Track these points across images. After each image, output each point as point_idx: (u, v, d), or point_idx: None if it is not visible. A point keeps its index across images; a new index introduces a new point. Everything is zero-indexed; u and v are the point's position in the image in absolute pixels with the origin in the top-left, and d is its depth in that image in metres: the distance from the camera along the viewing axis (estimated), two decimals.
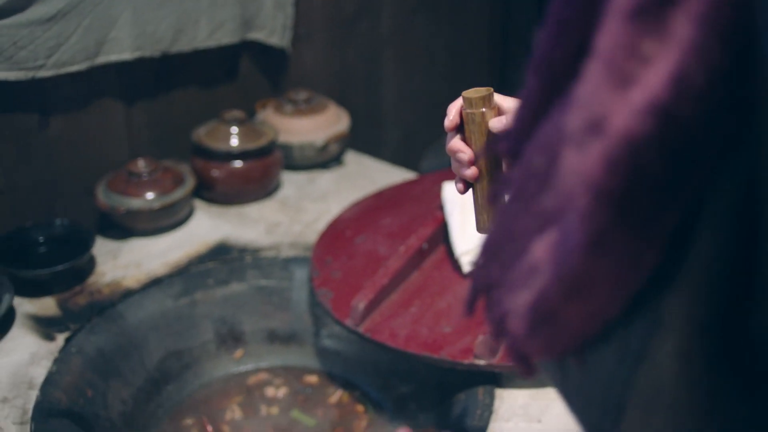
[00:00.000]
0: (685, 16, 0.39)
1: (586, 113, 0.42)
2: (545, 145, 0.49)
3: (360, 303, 1.24)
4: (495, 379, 1.19)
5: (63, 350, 1.29)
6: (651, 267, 0.45)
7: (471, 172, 0.83)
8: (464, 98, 0.82)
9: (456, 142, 0.85)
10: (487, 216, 0.86)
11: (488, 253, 0.57)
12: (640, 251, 0.44)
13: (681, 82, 0.39)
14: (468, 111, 0.82)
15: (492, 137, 0.82)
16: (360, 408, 1.42)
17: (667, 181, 0.41)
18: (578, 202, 0.43)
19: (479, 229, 0.87)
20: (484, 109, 0.81)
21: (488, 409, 1.14)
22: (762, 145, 0.40)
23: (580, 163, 0.42)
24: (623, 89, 0.40)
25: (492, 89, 0.82)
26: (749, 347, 0.43)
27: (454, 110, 0.84)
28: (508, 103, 0.83)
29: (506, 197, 0.55)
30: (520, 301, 0.51)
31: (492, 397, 1.16)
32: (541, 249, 0.49)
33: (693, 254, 0.44)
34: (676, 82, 0.39)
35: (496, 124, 0.82)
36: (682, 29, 0.39)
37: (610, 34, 0.41)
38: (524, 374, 0.56)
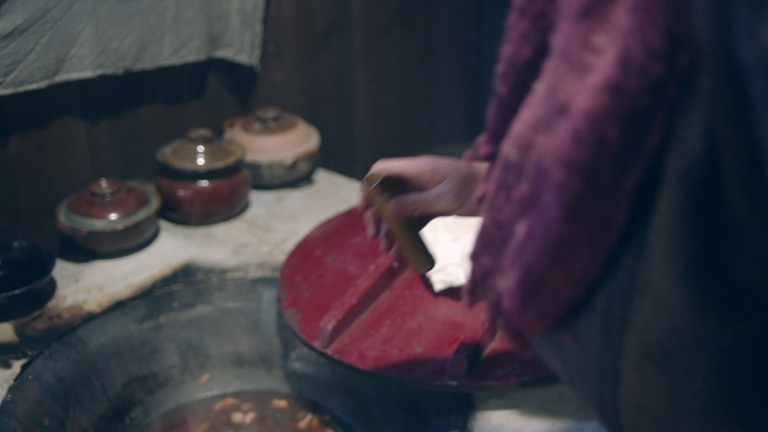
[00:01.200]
0: (622, 9, 0.46)
1: (553, 101, 0.50)
2: (518, 139, 0.56)
3: (328, 324, 1.20)
4: (468, 400, 1.15)
5: (19, 378, 1.24)
6: (619, 228, 0.51)
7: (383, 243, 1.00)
8: (366, 179, 0.94)
9: (366, 216, 1.01)
10: (419, 260, 0.97)
11: (480, 245, 0.64)
12: (609, 214, 0.51)
13: (626, 62, 0.46)
14: (369, 189, 0.95)
15: (392, 208, 0.94)
16: None
17: (624, 147, 0.48)
18: (553, 176, 0.50)
19: (418, 271, 0.99)
20: (380, 189, 0.94)
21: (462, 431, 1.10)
22: (708, 103, 0.45)
23: (552, 143, 0.50)
24: (582, 76, 0.49)
25: (384, 175, 0.94)
26: (729, 285, 0.47)
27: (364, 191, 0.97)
28: (411, 165, 0.95)
29: (490, 192, 0.62)
30: (510, 280, 0.58)
31: (466, 419, 1.12)
32: (523, 230, 0.56)
33: (658, 213, 0.49)
34: (622, 63, 0.46)
35: (391, 206, 0.94)
36: (621, 20, 0.46)
37: (565, 34, 0.50)
38: (521, 351, 0.64)
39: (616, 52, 0.46)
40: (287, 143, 1.78)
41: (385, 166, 0.95)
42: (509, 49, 0.61)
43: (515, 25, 0.60)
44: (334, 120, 2.13)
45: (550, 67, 0.52)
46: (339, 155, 2.14)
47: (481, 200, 0.66)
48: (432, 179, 0.94)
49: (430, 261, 0.97)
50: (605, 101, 0.47)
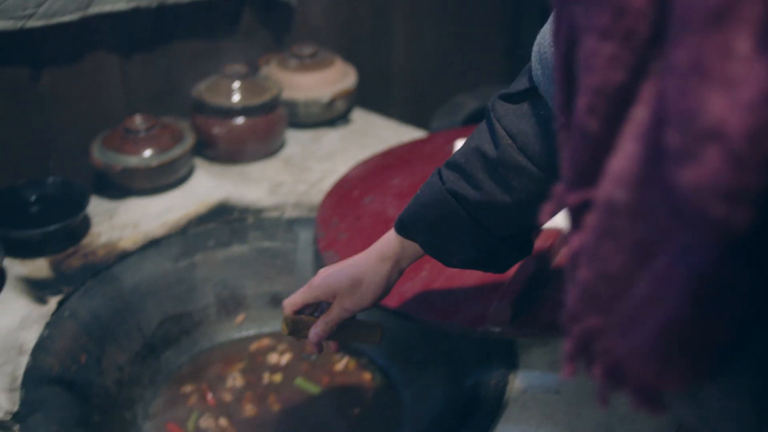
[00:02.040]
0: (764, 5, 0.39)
1: (690, 126, 0.42)
2: (626, 177, 0.48)
3: None
4: (511, 347, 1.13)
5: (55, 314, 1.23)
6: None
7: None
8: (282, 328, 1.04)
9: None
10: (369, 338, 1.06)
11: (581, 304, 0.55)
12: None
13: None
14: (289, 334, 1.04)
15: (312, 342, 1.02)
16: (367, 376, 1.36)
17: None
18: (709, 212, 0.42)
19: (376, 342, 1.08)
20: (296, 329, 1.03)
21: (503, 379, 1.08)
22: None
23: (700, 174, 0.42)
24: (729, 91, 0.41)
25: (291, 319, 1.03)
26: None
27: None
28: (307, 295, 1.01)
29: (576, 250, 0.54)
30: (638, 340, 0.50)
31: (508, 367, 1.09)
32: (653, 280, 0.48)
33: None
34: None
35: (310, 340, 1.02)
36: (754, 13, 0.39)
37: (692, 45, 0.42)
38: (654, 412, 0.54)
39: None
40: (324, 81, 1.73)
41: (289, 306, 1.02)
42: (594, 78, 0.51)
43: (597, 50, 0.50)
44: (371, 58, 2.08)
45: (669, 86, 0.44)
46: (375, 94, 2.09)
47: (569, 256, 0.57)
48: (330, 294, 1.00)
49: (376, 332, 1.06)
50: (765, 114, 0.40)
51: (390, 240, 0.98)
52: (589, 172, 0.53)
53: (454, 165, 0.92)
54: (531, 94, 0.86)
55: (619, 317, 0.52)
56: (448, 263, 0.97)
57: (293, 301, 1.02)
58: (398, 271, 0.99)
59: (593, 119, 0.52)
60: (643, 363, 0.51)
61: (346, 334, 1.04)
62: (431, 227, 0.93)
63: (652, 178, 0.46)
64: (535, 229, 0.96)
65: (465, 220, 0.91)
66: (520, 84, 0.87)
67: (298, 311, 1.02)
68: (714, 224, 0.43)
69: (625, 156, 0.48)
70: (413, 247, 0.97)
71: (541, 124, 0.85)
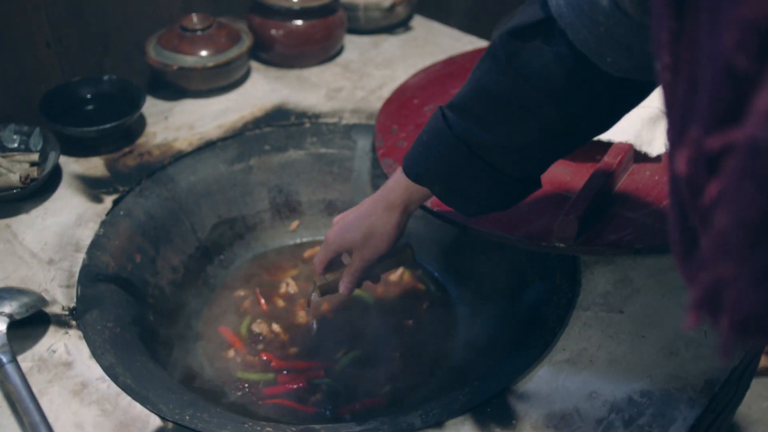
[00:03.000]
0: None
1: None
2: None
3: None
4: (574, 264, 1.09)
5: (110, 213, 1.22)
6: None
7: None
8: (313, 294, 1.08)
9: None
10: (407, 262, 1.09)
11: (714, 250, 0.50)
12: None
13: None
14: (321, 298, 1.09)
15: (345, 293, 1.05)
16: (422, 287, 1.34)
17: None
18: None
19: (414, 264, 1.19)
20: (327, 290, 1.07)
21: (566, 297, 1.04)
22: None
23: None
24: None
25: (318, 284, 1.06)
26: None
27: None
28: (330, 249, 1.04)
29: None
30: None
31: (571, 284, 1.06)
32: None
33: None
34: None
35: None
36: None
37: None
38: None
39: None
40: None
41: (319, 264, 1.05)
42: (748, 11, 0.46)
43: None
44: None
45: None
46: (436, 2, 2.01)
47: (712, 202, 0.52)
48: (347, 248, 1.02)
49: (407, 254, 1.08)
50: None
51: (396, 188, 0.96)
52: (732, 113, 0.48)
53: (460, 108, 0.87)
54: (544, 27, 0.79)
55: (754, 266, 0.48)
56: (468, 213, 0.94)
57: (320, 259, 1.04)
58: (408, 215, 0.99)
59: (743, 56, 0.47)
60: None
61: (378, 270, 1.06)
62: (446, 176, 0.90)
63: None
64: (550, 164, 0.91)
65: (480, 165, 0.87)
66: (530, 15, 0.80)
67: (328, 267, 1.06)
68: None
69: None
70: (421, 191, 0.95)
71: (556, 62, 0.79)
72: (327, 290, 1.06)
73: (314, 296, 1.08)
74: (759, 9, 0.44)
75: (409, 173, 0.94)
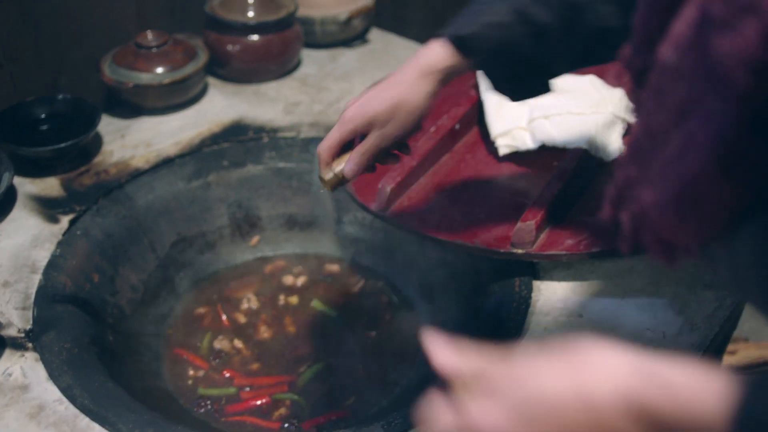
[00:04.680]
0: None
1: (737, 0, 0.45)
2: (678, 40, 0.52)
3: (387, 186, 1.14)
4: (533, 270, 1.10)
5: (67, 233, 1.20)
6: None
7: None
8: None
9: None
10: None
11: (628, 153, 0.60)
12: None
13: None
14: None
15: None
16: (384, 299, 1.34)
17: None
18: (734, 80, 0.46)
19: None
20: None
21: (525, 302, 1.05)
22: None
23: (734, 44, 0.45)
24: None
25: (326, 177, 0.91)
26: None
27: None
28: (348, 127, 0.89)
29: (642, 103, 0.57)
30: (662, 192, 0.54)
31: (529, 289, 1.07)
32: (683, 138, 0.51)
33: None
34: None
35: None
36: None
37: None
38: (669, 265, 0.58)
39: None
40: None
41: (326, 151, 0.90)
42: None
43: None
44: None
45: None
46: (392, 13, 2.02)
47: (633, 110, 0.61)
48: (367, 124, 0.89)
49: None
50: None
51: (437, 53, 0.88)
52: (654, 37, 0.56)
53: None
54: None
55: (652, 170, 0.55)
56: (496, 87, 0.92)
57: (329, 144, 0.90)
58: (441, 86, 0.90)
59: None
60: (662, 214, 0.55)
61: (383, 155, 0.93)
62: (494, 49, 0.86)
63: (698, 44, 0.49)
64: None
65: (528, 49, 0.85)
66: None
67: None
68: (739, 91, 0.46)
69: (683, 21, 0.51)
70: (462, 62, 0.88)
71: None
72: (338, 183, 0.92)
73: (322, 191, 0.94)
74: None
75: (454, 39, 0.86)
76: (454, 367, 0.60)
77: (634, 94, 0.61)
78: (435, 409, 0.60)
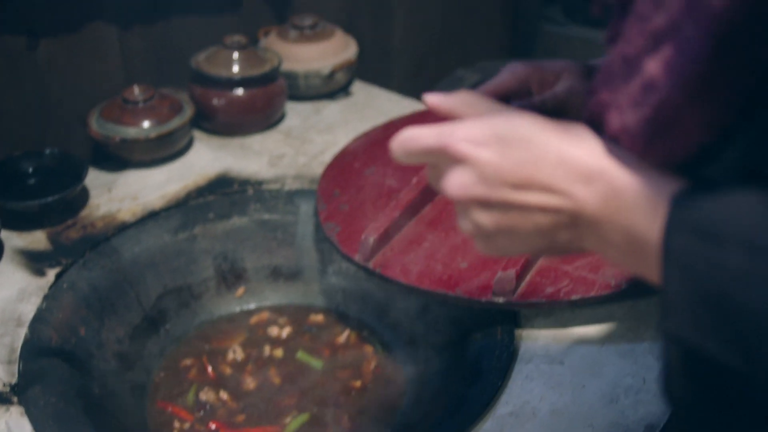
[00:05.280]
0: None
1: None
2: None
3: (370, 237, 1.16)
4: (514, 318, 1.11)
5: (53, 286, 1.21)
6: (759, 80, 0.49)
7: None
8: None
9: None
10: None
11: (601, 79, 0.60)
12: (761, 52, 0.48)
13: None
14: None
15: None
16: (369, 348, 1.35)
17: None
18: (708, 4, 0.47)
19: None
20: None
21: (507, 350, 1.06)
22: None
23: None
24: None
25: None
26: None
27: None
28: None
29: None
30: (632, 118, 0.56)
31: (511, 338, 1.08)
32: (656, 65, 0.53)
33: None
34: None
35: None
36: None
37: None
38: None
39: None
40: (324, 52, 1.71)
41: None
42: None
43: None
44: (372, 29, 2.05)
45: None
46: (375, 66, 2.07)
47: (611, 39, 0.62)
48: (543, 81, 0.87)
49: None
50: None
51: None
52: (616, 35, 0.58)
53: None
54: None
55: (622, 95, 0.57)
56: None
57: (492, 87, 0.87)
58: None
59: None
60: (632, 140, 0.57)
61: None
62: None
63: None
64: None
65: None
66: None
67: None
68: (709, 17, 0.47)
69: None
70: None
71: None
72: None
73: None
74: None
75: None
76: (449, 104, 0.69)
77: (615, 25, 0.61)
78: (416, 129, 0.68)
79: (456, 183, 0.64)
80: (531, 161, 0.60)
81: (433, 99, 0.70)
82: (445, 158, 0.65)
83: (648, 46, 0.54)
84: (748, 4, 0.46)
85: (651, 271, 0.57)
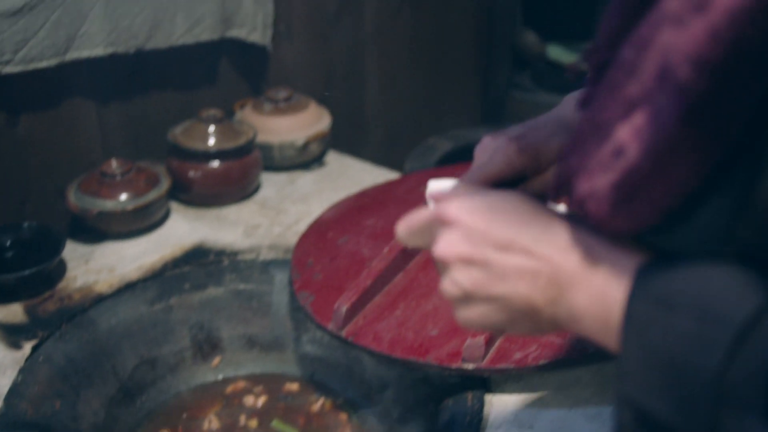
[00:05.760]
0: None
1: None
2: (636, 41, 0.55)
3: (342, 306, 1.18)
4: (484, 384, 1.14)
5: (29, 359, 1.23)
6: (734, 138, 0.51)
7: None
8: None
9: None
10: None
11: (572, 144, 0.63)
12: (728, 122, 0.50)
13: None
14: None
15: None
16: (343, 416, 1.36)
17: (761, 53, 0.47)
18: (678, 74, 0.49)
19: None
20: None
21: (478, 416, 1.08)
22: None
23: (682, 39, 0.49)
24: None
25: None
26: None
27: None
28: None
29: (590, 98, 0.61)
30: (600, 183, 0.57)
31: (481, 403, 1.10)
32: (626, 132, 0.55)
33: None
34: None
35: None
36: None
37: None
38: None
39: None
40: (298, 124, 1.76)
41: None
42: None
43: None
44: (346, 101, 2.11)
45: None
46: (350, 137, 2.12)
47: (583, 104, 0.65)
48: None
49: None
50: (752, 2, 0.45)
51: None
52: (618, 37, 0.60)
53: None
54: None
55: (592, 160, 0.58)
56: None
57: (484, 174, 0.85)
58: None
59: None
60: (599, 205, 0.58)
61: None
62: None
63: (653, 41, 0.52)
64: None
65: None
66: None
67: None
68: (681, 86, 0.49)
69: (646, 21, 0.54)
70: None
71: None
72: None
73: None
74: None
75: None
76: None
77: (588, 90, 0.64)
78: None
79: (443, 242, 0.69)
80: (515, 226, 0.66)
81: (434, 192, 0.79)
82: (439, 225, 0.71)
83: (620, 113, 0.56)
84: (714, 78, 0.48)
85: (615, 340, 0.61)
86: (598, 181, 0.58)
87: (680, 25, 0.49)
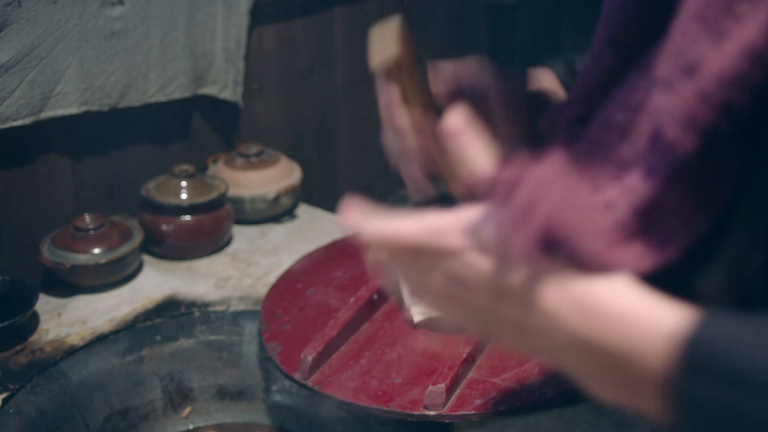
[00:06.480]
0: None
1: (680, 60, 0.50)
2: (625, 104, 0.56)
3: (308, 356, 1.22)
4: (448, 428, 1.17)
5: (0, 411, 1.24)
6: (719, 209, 0.52)
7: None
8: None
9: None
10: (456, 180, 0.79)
11: (558, 201, 0.59)
12: (713, 190, 0.51)
13: None
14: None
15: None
16: None
17: (749, 118, 0.48)
18: (666, 135, 0.50)
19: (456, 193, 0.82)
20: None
21: None
22: None
23: (672, 102, 0.50)
24: (718, 40, 0.48)
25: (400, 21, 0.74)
26: None
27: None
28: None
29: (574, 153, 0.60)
30: (591, 227, 0.55)
31: None
32: (614, 191, 0.55)
33: None
34: (765, 31, 0.46)
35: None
36: None
37: (702, 2, 0.49)
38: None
39: (763, 18, 0.46)
40: (270, 178, 1.80)
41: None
42: (619, 15, 0.60)
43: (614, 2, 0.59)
44: (317, 156, 2.16)
45: (680, 28, 0.51)
46: (321, 190, 2.16)
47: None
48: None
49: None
50: (741, 67, 0.47)
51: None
52: (596, 97, 0.61)
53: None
54: None
55: (582, 215, 0.56)
56: None
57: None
58: None
59: (609, 52, 0.61)
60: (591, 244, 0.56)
61: None
62: None
63: (645, 105, 0.54)
64: None
65: None
66: None
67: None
68: (666, 147, 0.50)
69: (631, 86, 0.56)
70: None
71: None
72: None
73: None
74: (625, 13, 0.60)
75: None
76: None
77: (563, 144, 0.62)
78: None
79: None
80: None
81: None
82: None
83: (611, 175, 0.56)
84: (703, 138, 0.49)
85: (640, 395, 0.54)
86: (587, 225, 0.55)
87: (670, 88, 0.50)
